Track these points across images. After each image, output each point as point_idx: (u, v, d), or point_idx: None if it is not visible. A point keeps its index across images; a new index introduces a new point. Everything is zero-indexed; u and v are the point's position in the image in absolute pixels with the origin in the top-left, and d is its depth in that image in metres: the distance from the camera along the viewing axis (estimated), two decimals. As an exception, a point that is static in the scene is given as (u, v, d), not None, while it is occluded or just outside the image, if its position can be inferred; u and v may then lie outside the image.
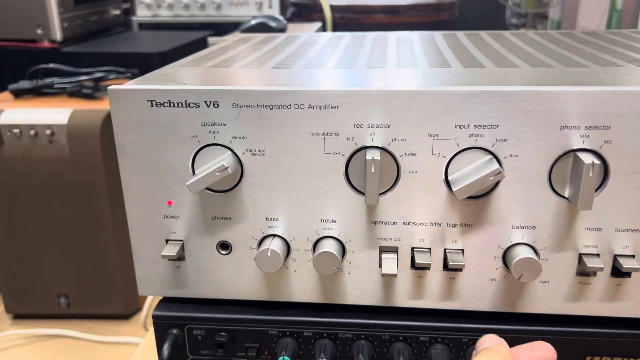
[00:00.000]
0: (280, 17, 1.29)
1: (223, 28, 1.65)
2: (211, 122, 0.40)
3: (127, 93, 0.40)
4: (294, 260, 0.43)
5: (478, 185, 0.38)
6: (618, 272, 0.40)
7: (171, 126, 0.41)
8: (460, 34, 0.68)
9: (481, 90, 0.38)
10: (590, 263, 0.40)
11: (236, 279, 0.45)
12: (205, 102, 0.40)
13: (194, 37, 1.33)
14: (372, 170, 0.38)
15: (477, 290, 0.43)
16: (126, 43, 1.37)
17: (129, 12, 1.78)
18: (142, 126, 0.41)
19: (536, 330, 0.43)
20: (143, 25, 1.78)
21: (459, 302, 0.43)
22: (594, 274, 0.41)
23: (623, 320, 0.43)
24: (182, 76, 0.45)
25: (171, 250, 0.43)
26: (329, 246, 0.41)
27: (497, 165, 0.38)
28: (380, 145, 0.39)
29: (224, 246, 0.44)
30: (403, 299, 0.44)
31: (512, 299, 0.43)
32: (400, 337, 0.44)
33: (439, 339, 0.44)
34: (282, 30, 1.26)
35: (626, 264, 0.40)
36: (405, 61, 0.50)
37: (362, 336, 0.44)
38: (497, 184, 0.40)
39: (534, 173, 0.39)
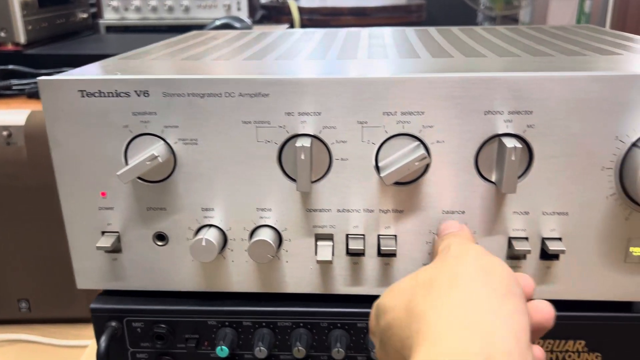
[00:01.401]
0: (246, 19, 1.29)
1: (191, 31, 1.65)
2: (142, 111, 0.40)
3: (58, 84, 0.40)
4: (231, 250, 0.44)
5: (404, 171, 0.39)
6: (546, 255, 0.41)
7: (103, 116, 0.40)
8: (413, 30, 0.69)
9: (406, 78, 0.38)
10: (519, 246, 0.41)
11: (174, 270, 0.45)
12: (136, 91, 0.40)
13: (161, 39, 1.32)
14: (303, 158, 0.39)
15: (412, 276, 0.43)
16: (92, 46, 1.35)
17: (96, 15, 1.77)
18: (74, 117, 0.41)
19: (470, 314, 0.44)
20: (110, 29, 1.77)
21: (395, 288, 0.44)
22: (524, 257, 0.42)
23: (554, 302, 0.43)
24: (118, 67, 0.45)
25: (106, 242, 0.43)
26: (264, 234, 0.42)
27: (422, 151, 0.38)
28: (311, 133, 0.40)
29: (160, 237, 0.44)
30: (340, 285, 0.44)
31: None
32: (339, 324, 0.45)
33: (377, 326, 0.44)
34: (247, 30, 1.26)
35: (553, 246, 0.41)
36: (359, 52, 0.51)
37: (301, 324, 0.45)
38: (426, 169, 0.40)
39: (460, 158, 0.40)
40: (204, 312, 0.45)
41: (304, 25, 1.72)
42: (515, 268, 0.42)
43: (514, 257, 0.42)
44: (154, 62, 0.48)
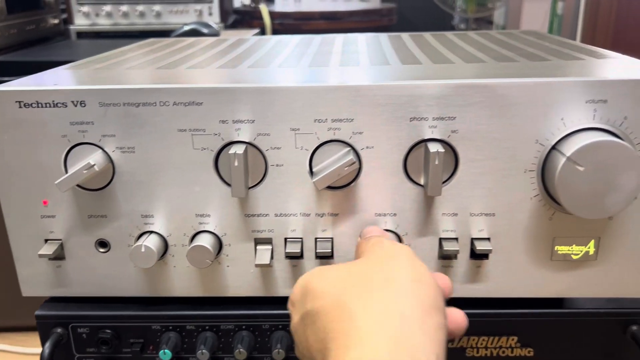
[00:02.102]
0: (213, 24, 1.30)
1: (163, 36, 1.65)
2: (79, 121, 0.41)
3: (-5, 94, 0.41)
4: (173, 256, 0.45)
5: (335, 176, 0.40)
6: (476, 254, 0.43)
7: (41, 126, 0.41)
8: (385, 36, 0.71)
9: (336, 86, 0.40)
10: (448, 246, 0.42)
11: (117, 276, 0.45)
12: (72, 101, 0.40)
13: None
14: (236, 164, 0.40)
15: (349, 277, 0.45)
16: (61, 52, 1.35)
17: (67, 21, 1.76)
18: (13, 127, 0.41)
19: (407, 314, 0.45)
20: (82, 34, 1.76)
21: (333, 289, 0.45)
22: (455, 257, 0.43)
23: (487, 300, 0.45)
24: (58, 78, 0.45)
25: (49, 249, 0.44)
26: (203, 240, 0.43)
27: (350, 157, 0.40)
28: (246, 140, 0.41)
29: (103, 244, 0.45)
30: (281, 288, 0.45)
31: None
32: (280, 326, 0.46)
33: (317, 326, 0.46)
34: (214, 35, 1.27)
35: (481, 246, 0.42)
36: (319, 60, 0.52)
37: (243, 327, 0.46)
38: (358, 174, 0.42)
39: (390, 163, 0.41)
40: (148, 316, 0.46)
41: (275, 30, 1.73)
42: (446, 268, 0.44)
43: (445, 257, 0.44)
44: (98, 72, 0.49)
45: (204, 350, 0.45)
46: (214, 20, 1.73)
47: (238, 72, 0.47)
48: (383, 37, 0.70)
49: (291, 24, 1.73)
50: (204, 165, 0.42)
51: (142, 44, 0.69)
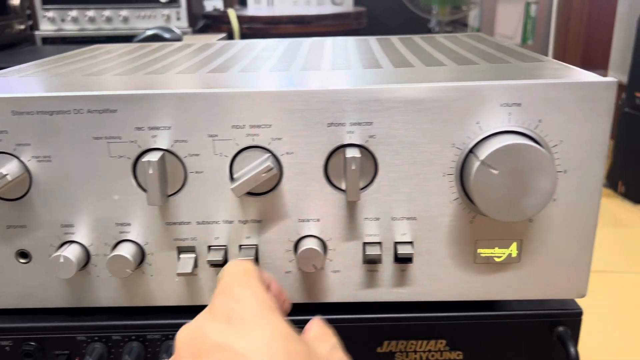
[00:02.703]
0: (176, 29, 1.29)
1: (130, 41, 1.64)
2: (-8, 130, 0.40)
3: None
4: (95, 266, 0.44)
5: (252, 183, 0.40)
6: (399, 258, 0.43)
7: (-46, 136, 0.40)
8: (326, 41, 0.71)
9: (253, 92, 0.39)
10: (370, 251, 0.42)
11: (40, 287, 0.44)
12: (-16, 110, 0.40)
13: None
14: (151, 172, 0.39)
15: (275, 284, 0.44)
16: (25, 58, 1.33)
17: (33, 26, 1.74)
18: None
19: (334, 319, 0.44)
20: (47, 40, 1.74)
21: (260, 296, 0.45)
22: (380, 261, 0.43)
23: (414, 304, 0.45)
24: (-23, 86, 0.44)
25: (-34, 261, 0.43)
26: (124, 250, 0.42)
27: (268, 163, 0.39)
28: (163, 147, 0.40)
29: (23, 255, 0.44)
30: (207, 297, 0.45)
31: (308, 289, 0.44)
32: (208, 335, 0.45)
33: (245, 334, 0.45)
34: (177, 40, 1.27)
35: (402, 249, 0.42)
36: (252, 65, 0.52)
37: (170, 336, 0.45)
38: (280, 179, 0.41)
39: (310, 168, 0.41)
40: (73, 327, 0.45)
41: (244, 34, 1.73)
42: (372, 272, 0.44)
43: (370, 262, 0.43)
44: (23, 79, 0.48)
45: (128, 361, 0.44)
46: (182, 24, 1.72)
47: (163, 78, 0.46)
48: (330, 41, 0.70)
49: (260, 28, 1.72)
50: (122, 173, 0.41)
51: (85, 50, 0.68)
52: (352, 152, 0.39)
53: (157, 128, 0.40)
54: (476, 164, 0.38)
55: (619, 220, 1.59)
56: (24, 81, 0.47)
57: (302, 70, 0.48)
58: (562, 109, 0.39)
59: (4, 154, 0.41)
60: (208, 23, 1.86)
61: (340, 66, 0.50)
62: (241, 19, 1.73)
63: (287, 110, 0.40)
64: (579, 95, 0.39)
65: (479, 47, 0.59)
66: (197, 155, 0.41)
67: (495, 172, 0.38)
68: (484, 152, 0.38)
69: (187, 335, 0.30)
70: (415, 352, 0.46)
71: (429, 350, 0.46)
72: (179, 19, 1.71)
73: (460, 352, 0.46)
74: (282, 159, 0.41)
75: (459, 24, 3.42)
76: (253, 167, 0.40)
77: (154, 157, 0.39)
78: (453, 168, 0.41)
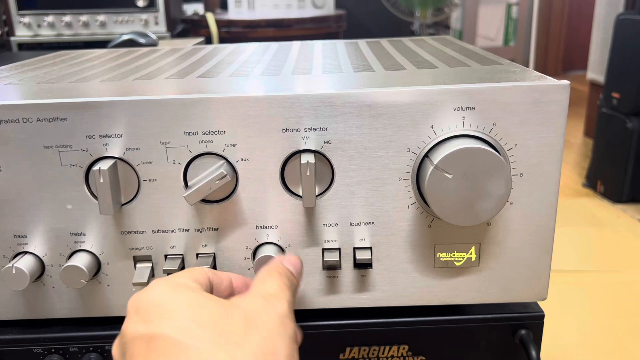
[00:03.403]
0: (151, 34, 1.28)
1: (107, 46, 1.62)
2: (-61, 140, 0.39)
3: None
4: (50, 277, 0.43)
5: (206, 190, 0.39)
6: (358, 264, 0.43)
7: None
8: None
9: (203, 98, 0.39)
10: (329, 257, 0.42)
11: (-6, 299, 0.44)
12: None
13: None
14: (101, 181, 0.39)
15: (235, 292, 0.44)
16: (-1, 64, 1.31)
17: (8, 32, 1.72)
18: None
19: (295, 326, 0.44)
20: (23, 46, 1.72)
21: (220, 305, 0.44)
22: (339, 267, 0.43)
23: (375, 309, 0.45)
24: None
25: None
26: (78, 260, 0.41)
27: (220, 170, 0.39)
28: (115, 155, 0.40)
29: (-25, 266, 0.43)
30: (166, 306, 0.44)
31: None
32: (167, 345, 0.44)
33: (205, 343, 0.45)
34: (152, 45, 1.26)
35: (361, 255, 0.42)
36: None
37: (129, 347, 0.44)
38: (235, 186, 0.41)
39: (266, 175, 0.41)
40: (29, 340, 0.44)
41: (222, 38, 1.72)
42: (332, 278, 0.43)
43: (329, 268, 0.43)
44: (-23, 87, 0.47)
45: (85, 373, 0.43)
46: (160, 29, 1.71)
47: (120, 85, 0.46)
48: (297, 45, 0.70)
49: (239, 32, 1.72)
50: (74, 182, 0.40)
51: (48, 57, 0.67)
52: (307, 158, 0.39)
53: (108, 136, 0.39)
54: (430, 168, 0.38)
55: (598, 219, 1.60)
56: (-24, 89, 0.46)
57: (262, 76, 0.48)
58: (516, 112, 0.39)
59: (-48, 165, 0.40)
60: (187, 27, 1.85)
61: (302, 71, 0.50)
62: (220, 23, 1.73)
63: (240, 116, 0.39)
64: (532, 98, 0.39)
65: (443, 50, 0.59)
66: (149, 162, 0.40)
67: (449, 176, 0.38)
68: (438, 157, 0.38)
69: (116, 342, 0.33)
70: (378, 357, 0.46)
71: (392, 356, 0.46)
72: (157, 24, 1.70)
73: (423, 357, 0.46)
74: (237, 166, 0.40)
75: (441, 26, 3.43)
76: (206, 175, 0.40)
77: (104, 165, 0.39)
78: (409, 173, 0.40)
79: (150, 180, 0.41)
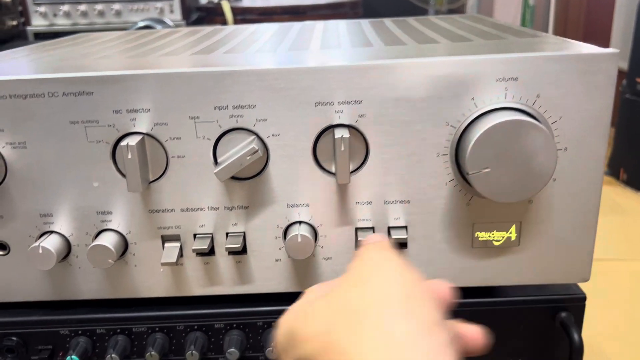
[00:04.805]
0: (169, 21, 1.27)
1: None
2: (-37, 116, 0.38)
3: None
4: (77, 257, 0.42)
5: (237, 166, 0.38)
6: (394, 243, 0.41)
7: None
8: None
9: (233, 71, 0.37)
10: (362, 236, 0.40)
11: (20, 279, 0.43)
12: (-46, 95, 0.38)
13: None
14: (129, 157, 0.37)
15: (265, 272, 0.42)
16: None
17: (24, 22, 1.71)
18: None
19: (327, 308, 0.43)
20: (39, 35, 1.72)
21: (249, 285, 0.43)
22: (373, 247, 0.41)
23: (410, 291, 0.43)
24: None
25: (-58, 254, 0.41)
26: (105, 239, 0.40)
27: (252, 145, 0.37)
28: (143, 131, 0.39)
29: (1, 246, 0.42)
30: (195, 287, 0.43)
31: (299, 277, 0.43)
32: (196, 327, 0.43)
33: (234, 325, 0.43)
34: (169, 32, 1.24)
35: (396, 234, 0.40)
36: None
37: (157, 329, 0.43)
38: (266, 163, 0.40)
39: (298, 151, 0.39)
40: (55, 321, 0.43)
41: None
42: (365, 259, 0.42)
43: (363, 248, 0.42)
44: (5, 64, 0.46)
45: (113, 355, 0.42)
46: (176, 17, 1.70)
47: (146, 61, 0.44)
48: (320, 24, 0.68)
49: (254, 19, 1.70)
50: (101, 159, 0.39)
51: (68, 38, 0.66)
52: (341, 133, 0.37)
53: (135, 111, 0.38)
54: (471, 142, 0.36)
55: (620, 207, 1.57)
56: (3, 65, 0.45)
57: (290, 51, 0.46)
58: (561, 83, 0.37)
59: (-23, 141, 0.39)
60: (202, 15, 1.83)
61: (330, 45, 0.48)
62: (235, 11, 1.71)
63: (272, 89, 0.38)
64: (578, 68, 0.37)
65: (474, 25, 0.57)
66: (178, 138, 0.39)
67: (491, 151, 0.36)
68: (479, 130, 0.36)
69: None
70: (411, 341, 0.44)
71: (426, 339, 0.44)
72: (172, 12, 1.69)
73: (458, 341, 0.44)
74: (268, 141, 0.39)
75: (456, 14, 3.39)
76: (237, 150, 0.38)
77: (132, 141, 0.37)
78: (447, 148, 0.39)
79: (178, 156, 0.39)
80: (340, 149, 0.37)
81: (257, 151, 0.37)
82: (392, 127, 0.38)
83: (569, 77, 0.37)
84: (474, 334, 0.31)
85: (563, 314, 0.43)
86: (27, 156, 0.39)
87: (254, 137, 0.39)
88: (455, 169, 0.39)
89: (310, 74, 0.37)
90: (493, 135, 0.36)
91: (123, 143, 0.37)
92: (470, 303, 0.44)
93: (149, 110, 0.38)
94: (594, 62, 0.37)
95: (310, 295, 0.31)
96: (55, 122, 0.38)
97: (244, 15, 1.70)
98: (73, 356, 0.42)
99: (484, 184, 0.37)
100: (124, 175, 0.40)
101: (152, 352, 0.42)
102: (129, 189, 0.38)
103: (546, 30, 3.32)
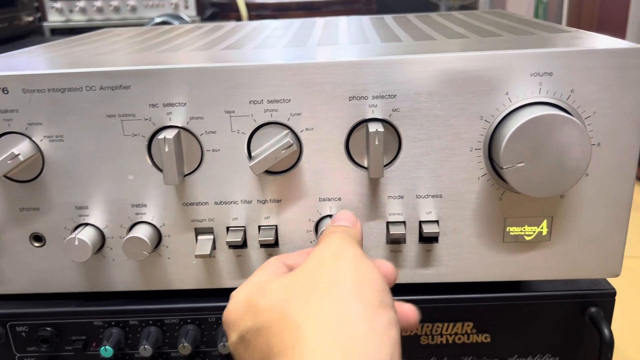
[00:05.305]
0: (185, 17, 1.28)
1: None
2: (3, 109, 0.39)
3: None
4: (111, 249, 0.43)
5: (272, 160, 0.38)
6: (424, 237, 0.41)
7: (-36, 116, 0.39)
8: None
9: (269, 65, 0.38)
10: (394, 230, 0.41)
11: (55, 271, 0.43)
12: (-6, 89, 0.38)
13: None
14: (166, 150, 0.38)
15: (296, 266, 0.43)
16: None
17: (40, 18, 1.73)
18: None
19: (357, 302, 0.43)
20: (55, 31, 1.73)
21: (280, 279, 0.43)
22: (404, 241, 0.42)
23: (440, 285, 0.44)
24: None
25: (-20, 245, 0.42)
26: (140, 231, 0.41)
27: (287, 139, 0.38)
28: (178, 125, 0.39)
29: (37, 238, 0.43)
30: (227, 279, 0.44)
31: (330, 272, 0.43)
32: (227, 319, 0.44)
33: (265, 318, 0.44)
34: (186, 28, 1.25)
35: (428, 229, 0.40)
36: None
37: (189, 320, 0.44)
38: (299, 157, 0.40)
39: (331, 145, 0.39)
40: (89, 312, 0.44)
41: (252, 21, 1.70)
42: (395, 252, 0.42)
43: (393, 242, 0.42)
44: (33, 59, 0.47)
45: (146, 346, 0.43)
46: (190, 13, 1.70)
47: (176, 56, 0.45)
48: (344, 19, 0.68)
49: (268, 15, 1.70)
50: (137, 152, 0.40)
51: (93, 34, 0.67)
52: (375, 127, 0.37)
53: (172, 105, 0.39)
54: (506, 137, 0.36)
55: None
56: (33, 61, 0.46)
57: (319, 46, 0.47)
58: (596, 78, 0.37)
59: (16, 134, 0.39)
60: (216, 11, 1.84)
61: (358, 41, 0.48)
62: (249, 7, 1.71)
63: (306, 83, 0.38)
64: (613, 63, 0.37)
65: (500, 21, 0.57)
66: (213, 132, 0.39)
67: (526, 145, 0.36)
68: (514, 125, 0.36)
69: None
70: (441, 335, 0.45)
71: (456, 333, 0.44)
72: (187, 8, 1.69)
73: (487, 335, 0.45)
74: (302, 136, 0.39)
75: (469, 10, 3.37)
76: (272, 144, 0.39)
77: (169, 134, 0.38)
78: (481, 142, 0.39)
79: (213, 150, 0.40)
80: (374, 143, 0.37)
81: (292, 145, 0.38)
82: (425, 121, 0.38)
83: (604, 72, 0.37)
84: (408, 311, 0.33)
85: (592, 309, 0.43)
86: (64, 149, 0.40)
87: (287, 131, 0.39)
88: (488, 163, 0.39)
89: (345, 68, 0.37)
90: (528, 129, 0.36)
91: (160, 136, 0.38)
92: (499, 297, 0.44)
93: (185, 104, 0.39)
94: (628, 57, 0.37)
95: (266, 271, 0.33)
96: (93, 115, 0.39)
97: (259, 11, 1.70)
98: (107, 346, 0.43)
99: (517, 178, 0.37)
100: (159, 169, 0.40)
101: (185, 344, 0.43)
102: (165, 182, 0.39)
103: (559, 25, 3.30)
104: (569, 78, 0.37)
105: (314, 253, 0.33)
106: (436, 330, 0.44)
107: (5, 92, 0.38)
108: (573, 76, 0.37)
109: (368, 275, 0.31)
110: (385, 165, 0.40)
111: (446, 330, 0.44)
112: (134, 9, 1.71)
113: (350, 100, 0.38)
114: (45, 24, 1.71)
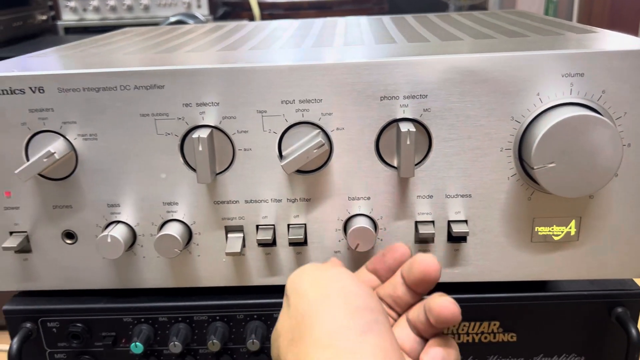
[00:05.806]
0: (200, 16, 1.28)
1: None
2: (38, 108, 0.39)
3: (-50, 82, 0.39)
4: (141, 246, 0.43)
5: (303, 159, 0.38)
6: (453, 237, 0.42)
7: (0, 114, 0.40)
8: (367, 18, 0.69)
9: (301, 65, 0.38)
10: (423, 230, 0.41)
11: (86, 268, 0.44)
12: (30, 87, 0.39)
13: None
14: (200, 149, 0.38)
15: (324, 264, 0.43)
16: (46, 48, 1.33)
17: (55, 17, 1.74)
18: (-29, 116, 0.40)
19: (384, 300, 0.44)
20: (69, 30, 1.74)
21: (308, 277, 0.44)
22: (432, 240, 0.42)
23: (467, 284, 0.44)
24: (20, 65, 0.44)
25: (13, 242, 0.42)
26: (171, 229, 0.41)
27: (319, 139, 0.38)
28: (211, 124, 0.39)
29: (69, 235, 0.43)
30: (255, 277, 0.44)
31: (358, 269, 0.43)
32: (255, 316, 0.44)
33: (293, 315, 0.44)
34: (201, 27, 1.26)
35: (457, 228, 0.41)
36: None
37: (217, 317, 0.44)
38: (329, 157, 0.40)
39: (361, 145, 0.40)
40: (119, 309, 0.45)
41: (264, 21, 1.71)
42: (424, 252, 0.42)
43: (422, 241, 0.42)
44: (63, 58, 0.47)
45: (176, 343, 0.43)
46: (203, 12, 1.71)
47: (205, 55, 0.45)
48: (364, 19, 0.68)
49: (281, 14, 1.71)
50: (169, 151, 0.40)
51: (115, 33, 0.68)
52: (407, 126, 0.38)
53: (205, 104, 0.39)
54: (537, 137, 0.36)
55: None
56: (64, 60, 0.46)
57: (346, 46, 0.47)
58: (627, 79, 0.37)
59: (50, 133, 0.40)
60: (228, 11, 1.85)
61: (384, 41, 0.48)
62: (262, 6, 1.72)
63: (338, 83, 0.38)
64: (645, 63, 0.37)
65: (523, 21, 0.57)
66: (245, 132, 0.40)
67: (557, 145, 0.36)
68: (545, 125, 0.36)
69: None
70: (467, 333, 0.45)
71: (482, 332, 0.45)
72: (199, 7, 1.70)
73: (514, 334, 0.45)
74: (332, 135, 0.40)
75: (479, 10, 3.36)
76: (304, 144, 0.39)
77: (203, 133, 0.38)
78: (511, 142, 0.39)
79: (245, 149, 0.40)
80: (405, 143, 0.38)
81: (323, 144, 0.38)
82: (456, 122, 0.39)
83: (635, 72, 0.37)
84: (448, 305, 0.34)
85: (619, 309, 0.44)
86: (98, 148, 0.40)
87: (318, 130, 0.39)
88: (518, 163, 0.40)
89: (377, 68, 0.38)
90: (560, 130, 0.36)
91: (194, 135, 0.38)
92: (526, 297, 0.44)
93: (217, 103, 0.39)
94: (661, 57, 0.37)
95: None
96: (126, 114, 0.39)
97: (271, 11, 1.71)
98: (137, 343, 0.43)
99: (548, 178, 0.37)
100: (191, 167, 0.41)
101: (214, 340, 0.43)
102: (198, 181, 0.39)
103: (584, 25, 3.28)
104: (601, 79, 0.37)
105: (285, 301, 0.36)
106: (463, 329, 0.45)
107: (42, 91, 0.39)
108: (604, 77, 0.37)
109: (341, 288, 0.33)
110: (415, 165, 0.40)
111: (472, 329, 0.45)
112: (147, 7, 1.72)
113: (381, 100, 0.38)
114: (59, 22, 1.72)
